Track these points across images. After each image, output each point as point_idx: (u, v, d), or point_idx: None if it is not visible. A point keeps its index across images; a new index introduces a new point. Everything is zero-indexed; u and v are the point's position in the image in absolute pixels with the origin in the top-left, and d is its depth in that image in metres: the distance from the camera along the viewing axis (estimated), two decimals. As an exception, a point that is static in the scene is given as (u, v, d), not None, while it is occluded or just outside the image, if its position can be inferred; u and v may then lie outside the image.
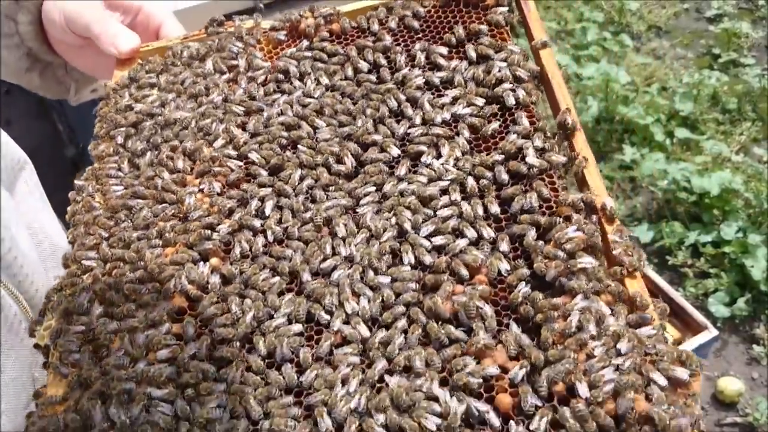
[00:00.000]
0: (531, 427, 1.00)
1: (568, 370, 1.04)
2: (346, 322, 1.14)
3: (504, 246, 1.19)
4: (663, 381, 1.02)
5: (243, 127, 1.43)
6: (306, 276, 1.20)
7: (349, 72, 1.47)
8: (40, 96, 2.01)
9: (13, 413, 1.33)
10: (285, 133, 1.40)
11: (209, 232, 1.27)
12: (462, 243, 1.20)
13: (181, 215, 1.32)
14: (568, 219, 1.20)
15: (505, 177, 1.26)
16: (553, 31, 5.50)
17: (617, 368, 1.03)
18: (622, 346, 1.05)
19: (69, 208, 1.38)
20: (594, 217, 1.21)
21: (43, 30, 1.68)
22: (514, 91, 1.35)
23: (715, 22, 5.58)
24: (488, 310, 1.12)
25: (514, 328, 1.11)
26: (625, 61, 5.18)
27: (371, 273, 1.19)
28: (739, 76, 5.02)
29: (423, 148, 1.32)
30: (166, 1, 2.74)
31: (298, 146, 1.38)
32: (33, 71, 1.74)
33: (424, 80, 1.42)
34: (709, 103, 4.82)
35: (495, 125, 1.33)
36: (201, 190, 1.35)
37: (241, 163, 1.37)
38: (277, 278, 1.21)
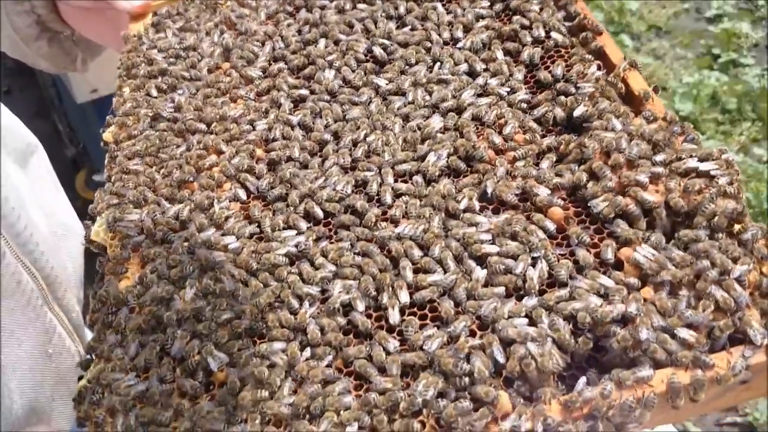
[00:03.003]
0: (595, 211, 1.10)
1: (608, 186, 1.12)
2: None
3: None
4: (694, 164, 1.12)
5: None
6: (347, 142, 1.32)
7: None
8: (40, 96, 2.02)
9: (27, 389, 1.36)
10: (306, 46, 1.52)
11: (250, 126, 1.39)
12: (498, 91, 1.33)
13: (218, 117, 1.41)
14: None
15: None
16: (553, 31, 5.49)
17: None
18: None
19: (104, 134, 1.48)
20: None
21: None
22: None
23: (715, 22, 5.57)
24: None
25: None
26: (625, 61, 5.17)
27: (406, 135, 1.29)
28: (739, 77, 5.02)
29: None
30: None
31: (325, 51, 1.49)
32: (41, 39, 1.80)
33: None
34: (709, 103, 4.82)
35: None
36: (233, 100, 1.45)
37: (260, 73, 1.49)
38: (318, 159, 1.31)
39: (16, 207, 1.38)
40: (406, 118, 1.33)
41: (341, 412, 0.96)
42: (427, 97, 1.35)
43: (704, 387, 0.93)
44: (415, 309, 1.07)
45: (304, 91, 1.43)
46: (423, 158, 1.25)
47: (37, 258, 1.42)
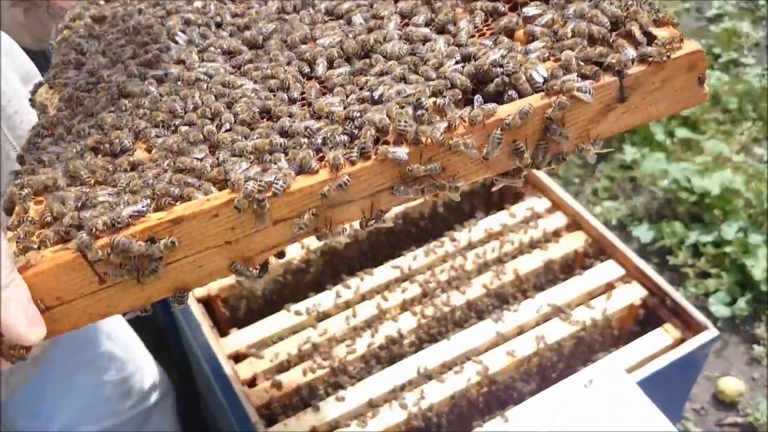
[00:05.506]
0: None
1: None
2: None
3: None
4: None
5: None
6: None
7: None
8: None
9: None
10: None
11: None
12: None
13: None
14: None
15: None
16: (554, 31, 5.49)
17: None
18: None
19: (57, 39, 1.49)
20: None
21: None
22: None
23: (715, 22, 5.57)
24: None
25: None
26: (626, 60, 5.17)
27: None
28: (740, 76, 5.01)
29: None
30: None
31: None
32: (17, 7, 1.78)
33: None
34: (710, 102, 4.82)
35: None
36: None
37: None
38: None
39: (13, 101, 1.47)
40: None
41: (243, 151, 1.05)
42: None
43: (566, 107, 1.01)
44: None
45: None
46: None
47: None
